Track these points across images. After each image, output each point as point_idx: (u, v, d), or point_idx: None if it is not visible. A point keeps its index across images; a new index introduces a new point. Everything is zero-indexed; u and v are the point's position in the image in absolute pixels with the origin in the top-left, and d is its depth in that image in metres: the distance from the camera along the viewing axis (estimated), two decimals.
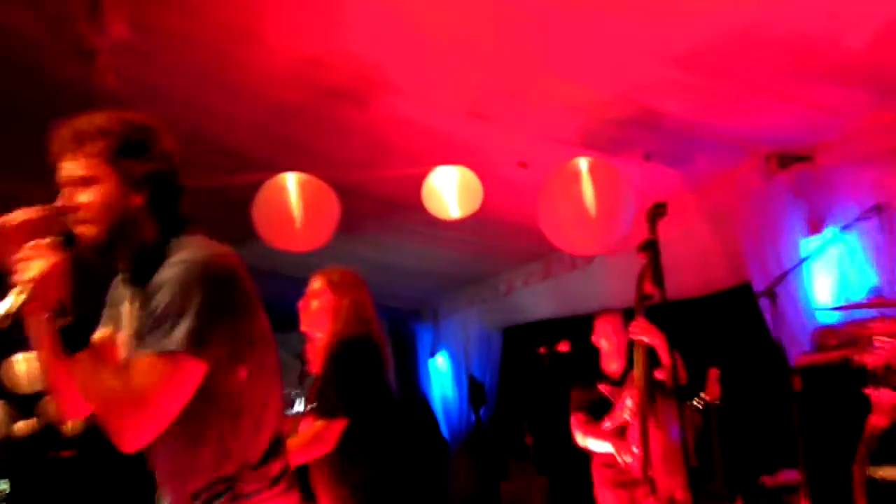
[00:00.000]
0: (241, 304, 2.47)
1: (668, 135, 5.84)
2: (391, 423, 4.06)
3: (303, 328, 4.20)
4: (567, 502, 7.93)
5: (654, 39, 4.73)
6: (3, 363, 9.83)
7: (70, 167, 2.46)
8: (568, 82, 5.30)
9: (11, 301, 2.22)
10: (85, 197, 2.43)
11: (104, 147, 2.45)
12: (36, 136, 5.98)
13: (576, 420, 5.65)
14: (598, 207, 5.60)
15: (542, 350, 6.08)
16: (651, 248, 3.57)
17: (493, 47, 4.97)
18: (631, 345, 5.01)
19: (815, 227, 5.78)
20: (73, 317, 2.30)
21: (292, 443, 4.06)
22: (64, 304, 2.29)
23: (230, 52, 5.20)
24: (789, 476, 5.64)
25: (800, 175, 5.95)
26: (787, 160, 5.97)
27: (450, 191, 5.80)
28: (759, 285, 5.77)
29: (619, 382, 5.59)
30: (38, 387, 9.96)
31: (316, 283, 4.21)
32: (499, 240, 7.78)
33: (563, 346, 6.00)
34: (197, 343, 2.30)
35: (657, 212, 3.66)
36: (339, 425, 3.90)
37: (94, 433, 14.15)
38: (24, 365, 9.78)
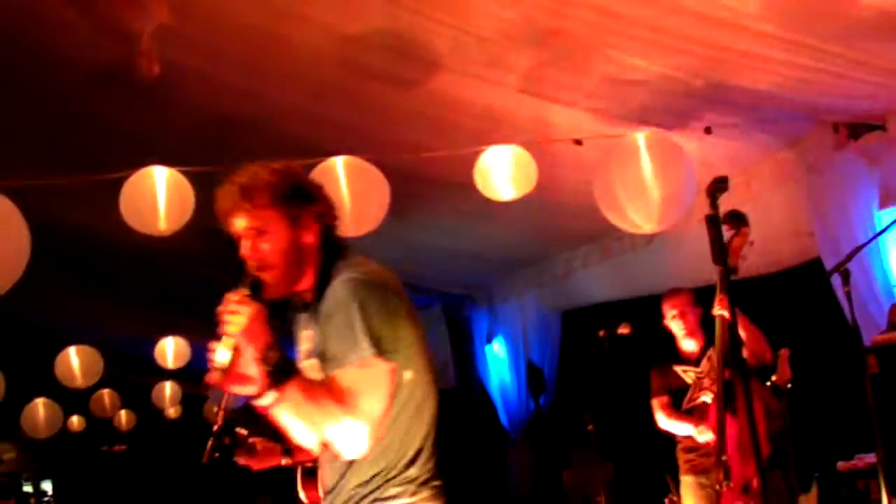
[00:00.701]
0: (402, 313, 2.67)
1: (731, 107, 5.62)
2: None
3: None
4: (632, 489, 7.74)
5: (714, 8, 4.51)
6: (57, 357, 9.85)
7: (245, 221, 2.72)
8: (627, 55, 5.11)
9: (224, 355, 2.42)
10: (264, 246, 2.69)
11: (273, 198, 2.70)
12: (80, 121, 5.96)
13: (657, 403, 5.48)
14: (658, 184, 5.40)
15: (601, 333, 5.87)
16: (713, 224, 3.35)
17: (548, 18, 4.78)
18: (708, 322, 4.83)
19: (889, 199, 5.50)
20: (278, 354, 2.46)
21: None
22: (269, 346, 2.46)
23: (274, 34, 5.10)
24: (866, 460, 5.40)
25: (872, 144, 5.68)
26: (858, 129, 5.71)
27: (503, 171, 5.63)
28: (830, 262, 5.51)
29: (697, 362, 5.39)
30: (91, 381, 10.01)
31: None
32: (555, 220, 7.58)
33: (624, 329, 5.78)
34: (381, 347, 2.53)
35: (718, 187, 3.45)
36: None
37: (144, 428, 14.36)
38: (77, 359, 9.80)
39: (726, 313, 4.44)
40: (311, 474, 4.11)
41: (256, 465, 3.94)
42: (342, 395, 2.48)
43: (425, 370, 2.72)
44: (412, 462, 2.67)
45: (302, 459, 4.00)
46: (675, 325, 5.49)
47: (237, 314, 2.47)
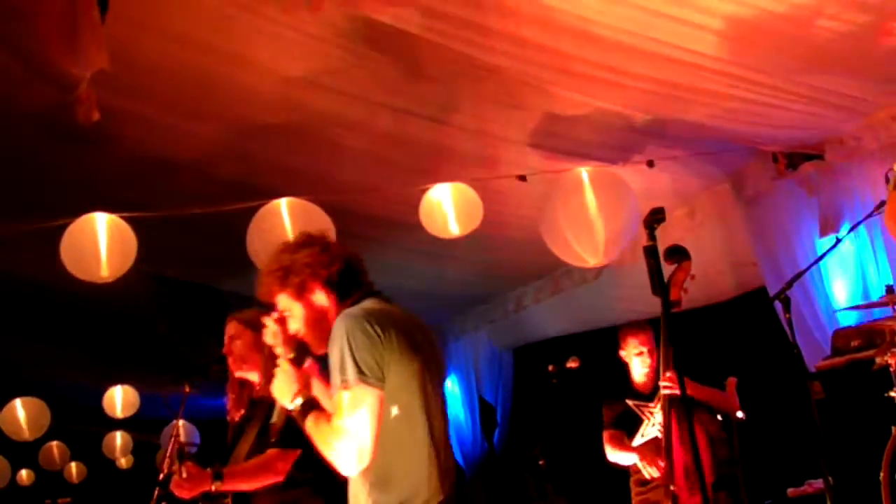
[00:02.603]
0: (389, 346, 2.91)
1: (673, 140, 5.69)
2: None
3: (235, 372, 4.26)
4: None
5: (654, 45, 4.58)
6: (2, 410, 9.65)
7: (283, 302, 3.14)
8: (568, 91, 5.16)
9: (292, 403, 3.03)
10: (292, 324, 3.12)
11: (277, 286, 3.13)
12: (17, 167, 5.87)
13: (606, 436, 5.46)
14: (602, 217, 5.44)
15: (551, 368, 5.88)
16: (651, 255, 3.38)
17: (487, 56, 4.82)
18: (658, 357, 4.86)
19: (829, 227, 5.59)
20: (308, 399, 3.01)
21: (243, 468, 4.06)
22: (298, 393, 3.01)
23: (216, 77, 5.07)
24: (815, 486, 5.43)
25: (811, 173, 5.78)
26: (796, 158, 5.80)
27: (448, 208, 5.64)
28: (774, 290, 5.57)
29: (651, 396, 5.39)
30: (38, 433, 9.81)
31: (231, 328, 4.30)
32: (504, 256, 7.60)
33: (573, 363, 5.79)
34: (363, 373, 2.83)
35: (655, 218, 3.48)
36: (293, 456, 3.92)
37: (95, 479, 14.07)
38: (23, 412, 9.60)
39: (677, 391, 4.48)
40: None
41: (187, 490, 3.90)
42: (333, 421, 2.85)
43: (420, 409, 2.96)
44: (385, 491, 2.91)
45: (227, 489, 3.96)
46: (639, 361, 5.46)
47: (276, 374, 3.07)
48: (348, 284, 3.13)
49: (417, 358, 2.97)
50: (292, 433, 3.88)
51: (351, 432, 2.80)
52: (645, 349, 5.41)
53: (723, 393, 5.16)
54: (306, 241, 3.22)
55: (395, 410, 2.89)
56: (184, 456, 4.02)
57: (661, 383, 4.68)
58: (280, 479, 3.91)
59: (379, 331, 2.89)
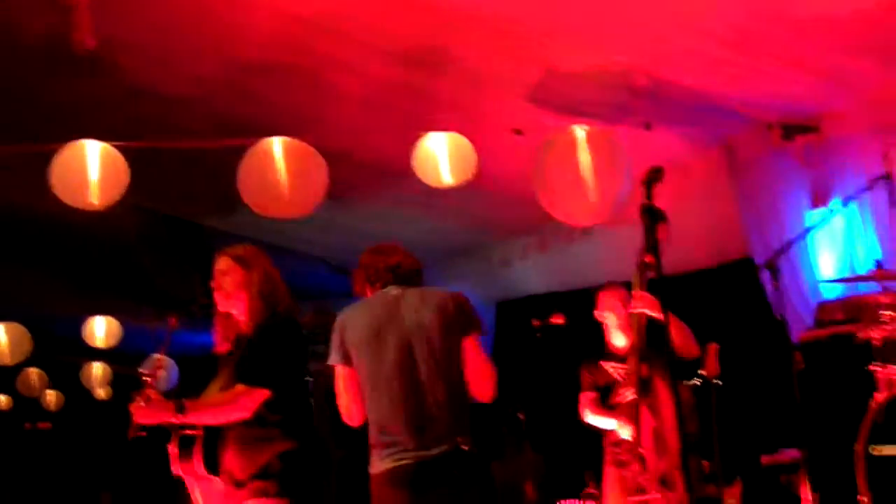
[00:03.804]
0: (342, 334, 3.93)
1: (670, 103, 5.67)
2: (309, 403, 4.22)
3: (219, 307, 4.19)
4: (562, 479, 7.78)
5: (661, 6, 4.55)
6: None
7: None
8: (570, 49, 5.13)
9: None
10: None
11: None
12: (9, 96, 5.82)
13: (584, 398, 5.48)
14: (596, 176, 5.42)
15: (535, 323, 5.90)
16: (648, 213, 3.37)
17: (490, 7, 4.78)
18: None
19: (820, 200, 5.61)
20: None
21: (209, 401, 4.02)
22: None
23: (215, 11, 5.03)
24: (789, 455, 5.49)
25: (805, 145, 5.77)
26: (792, 130, 5.79)
27: (442, 157, 5.61)
28: (760, 258, 5.60)
29: (625, 359, 5.40)
30: (19, 358, 9.79)
31: (222, 262, 4.20)
32: (493, 210, 7.59)
33: (557, 319, 5.82)
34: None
35: (653, 176, 3.45)
36: (261, 395, 3.87)
37: (72, 409, 14.10)
38: (5, 336, 9.57)
39: (645, 310, 4.49)
40: (187, 445, 4.00)
41: (146, 416, 3.88)
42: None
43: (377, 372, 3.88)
44: None
45: (192, 421, 3.91)
46: (608, 318, 5.49)
47: None
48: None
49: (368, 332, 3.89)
50: (260, 371, 3.89)
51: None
52: (612, 301, 5.42)
53: (688, 330, 5.11)
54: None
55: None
56: (143, 384, 3.98)
57: (634, 305, 4.62)
58: (246, 415, 3.85)
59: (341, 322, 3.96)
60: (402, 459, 3.75)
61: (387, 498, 3.77)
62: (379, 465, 3.80)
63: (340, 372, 3.92)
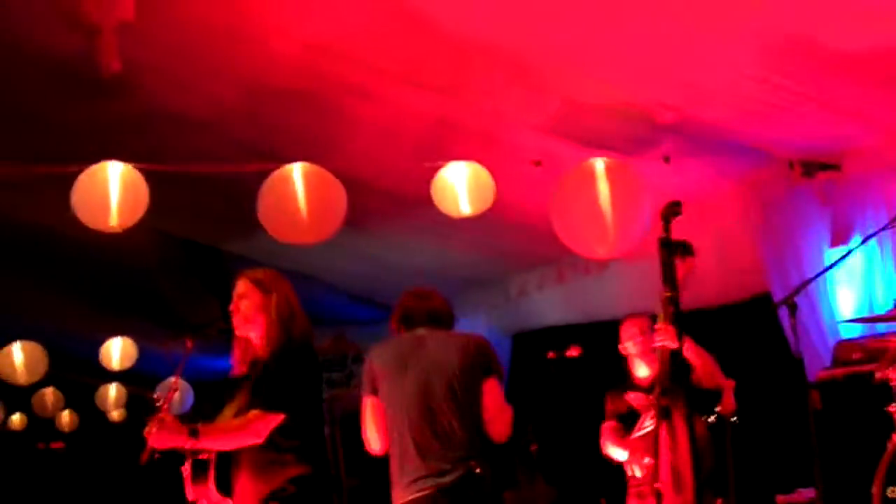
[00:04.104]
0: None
1: (691, 137, 5.66)
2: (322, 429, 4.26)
3: (237, 332, 4.19)
4: None
5: (682, 42, 4.56)
6: (1, 352, 9.64)
7: None
8: (590, 81, 5.14)
9: None
10: None
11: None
12: (31, 116, 5.88)
13: (605, 427, 5.45)
14: (614, 209, 5.41)
15: (550, 355, 5.89)
16: (665, 246, 3.37)
17: (511, 38, 4.80)
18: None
19: (840, 238, 5.58)
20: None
21: (222, 426, 4.00)
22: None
23: (237, 38, 5.06)
24: (805, 495, 5.43)
25: (826, 183, 5.75)
26: (813, 167, 5.77)
27: (461, 187, 5.62)
28: (779, 296, 5.57)
29: (650, 389, 5.37)
30: (34, 378, 9.80)
31: (241, 285, 4.21)
32: (511, 241, 7.58)
33: (573, 352, 5.80)
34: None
35: (672, 210, 3.47)
36: (275, 420, 3.86)
37: (86, 430, 14.12)
38: (21, 355, 9.59)
39: (669, 343, 4.48)
40: (200, 469, 4.00)
41: (160, 440, 3.84)
42: None
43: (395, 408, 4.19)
44: None
45: (205, 446, 3.90)
46: (632, 347, 5.46)
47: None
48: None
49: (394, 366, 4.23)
50: (275, 396, 3.89)
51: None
52: (635, 330, 5.40)
53: (714, 361, 5.08)
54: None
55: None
56: (156, 409, 3.97)
57: (657, 339, 4.63)
58: (259, 440, 3.84)
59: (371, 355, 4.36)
60: (422, 490, 4.00)
61: None
62: (401, 496, 4.06)
63: (368, 402, 4.24)
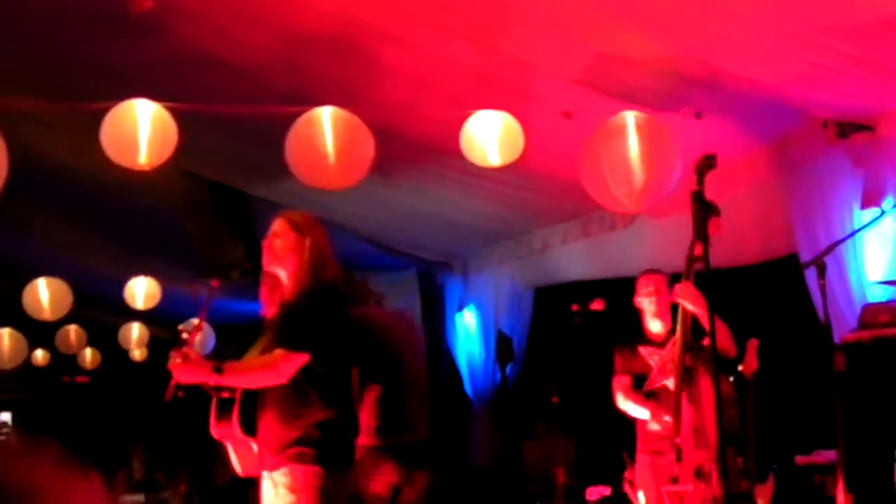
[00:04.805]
0: None
1: (724, 94, 5.59)
2: (348, 373, 4.22)
3: (266, 267, 4.22)
4: (593, 464, 7.76)
5: None
6: (25, 288, 9.72)
7: None
8: (624, 33, 5.06)
9: None
10: None
11: None
12: (64, 55, 5.86)
13: (617, 382, 5.47)
14: (644, 164, 5.36)
15: (574, 307, 5.88)
16: (699, 202, 3.34)
17: None
18: (675, 308, 4.83)
19: (871, 200, 5.51)
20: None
21: (247, 364, 4.04)
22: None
23: None
24: (825, 456, 5.43)
25: (860, 145, 5.68)
26: (847, 128, 5.69)
27: (490, 137, 5.57)
28: (807, 257, 5.52)
29: (662, 345, 5.38)
30: (59, 314, 9.88)
31: (278, 224, 4.24)
32: (538, 194, 7.54)
33: (597, 305, 5.79)
34: None
35: (707, 163, 3.44)
36: (299, 359, 3.88)
37: (108, 368, 14.28)
38: (46, 291, 9.66)
39: (687, 304, 4.46)
40: (225, 408, 4.04)
41: (184, 374, 3.89)
42: None
43: None
44: None
45: (228, 383, 3.93)
46: (647, 303, 5.47)
47: None
48: None
49: None
50: (300, 337, 3.90)
51: None
52: (651, 288, 5.42)
53: (726, 329, 5.06)
54: None
55: None
56: (180, 342, 4.00)
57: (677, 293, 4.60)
58: (283, 380, 3.86)
59: None
60: None
61: None
62: None
63: None
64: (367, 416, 5.52)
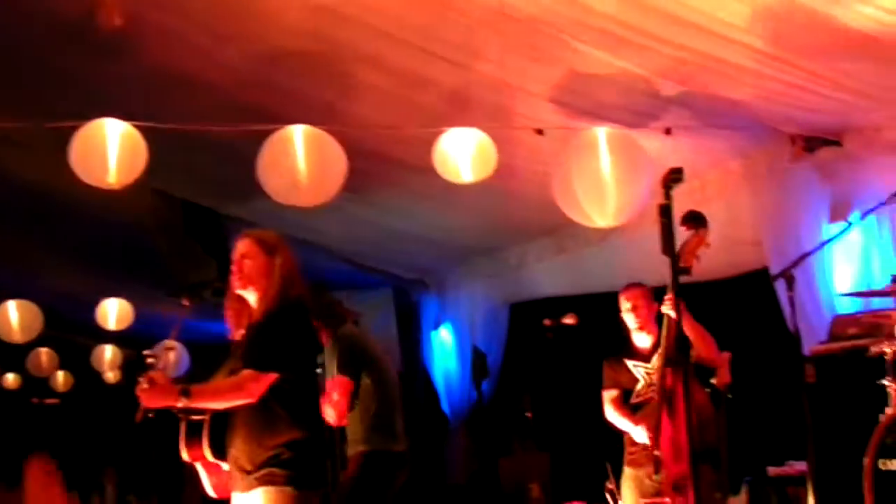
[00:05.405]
0: None
1: (693, 110, 5.65)
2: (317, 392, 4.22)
3: (236, 289, 4.14)
4: (569, 479, 7.77)
5: (689, 13, 4.52)
6: None
7: None
8: (595, 49, 5.11)
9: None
10: None
11: None
12: (34, 73, 5.85)
13: (608, 396, 5.49)
14: (615, 179, 5.41)
15: (547, 322, 5.90)
16: (665, 214, 3.37)
17: (523, 4, 4.76)
18: (660, 319, 4.86)
19: (839, 214, 5.57)
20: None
21: (215, 385, 4.01)
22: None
23: None
24: (797, 468, 5.46)
25: (827, 159, 5.75)
26: (813, 143, 5.77)
27: (463, 154, 5.60)
28: (776, 269, 5.57)
29: (648, 358, 5.40)
30: (29, 336, 9.80)
31: (246, 244, 4.16)
32: (511, 211, 7.58)
33: (570, 319, 5.81)
34: None
35: (673, 177, 3.48)
36: (268, 379, 3.85)
37: (81, 391, 14.15)
38: (16, 314, 9.58)
39: (673, 313, 4.49)
40: (195, 431, 4.00)
41: (151, 400, 3.85)
42: None
43: None
44: None
45: (197, 405, 3.89)
46: (629, 318, 5.50)
47: None
48: None
49: None
50: (268, 356, 3.88)
51: None
52: (630, 304, 5.45)
53: (711, 339, 5.12)
54: None
55: None
56: (146, 366, 3.98)
57: (665, 304, 4.63)
58: (252, 399, 3.83)
59: None
60: None
61: None
62: None
63: None
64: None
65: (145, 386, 3.85)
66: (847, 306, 5.47)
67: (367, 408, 5.64)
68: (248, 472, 3.88)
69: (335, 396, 5.52)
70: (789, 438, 5.21)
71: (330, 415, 5.40)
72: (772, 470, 5.74)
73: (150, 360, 4.05)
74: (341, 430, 5.65)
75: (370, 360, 5.75)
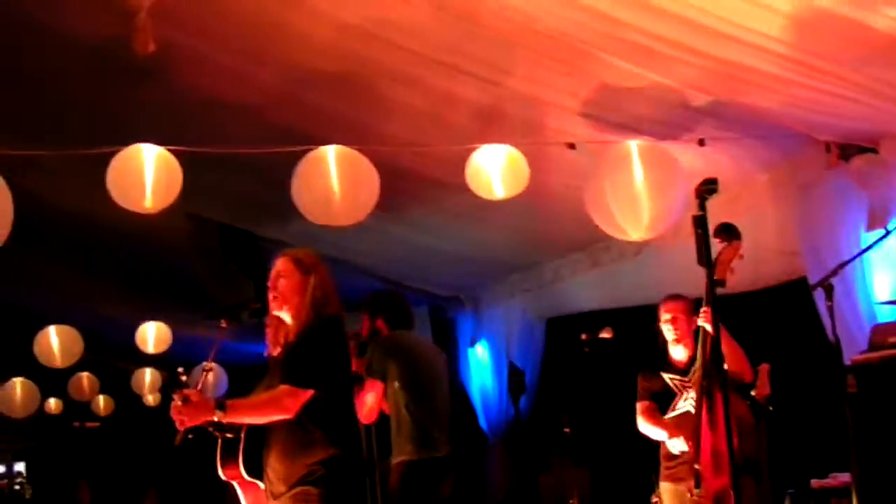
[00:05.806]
0: None
1: (727, 121, 5.62)
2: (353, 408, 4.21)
3: (273, 310, 4.19)
4: (608, 494, 7.72)
5: (721, 23, 4.50)
6: (36, 336, 9.73)
7: None
8: (626, 62, 5.09)
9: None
10: None
11: None
12: (71, 96, 5.93)
13: (640, 407, 5.47)
14: (649, 192, 5.39)
15: (584, 337, 5.89)
16: (700, 225, 3.35)
17: (549, 21, 4.76)
18: (697, 333, 4.84)
19: (877, 221, 5.51)
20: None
21: (251, 400, 4.03)
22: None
23: (272, 19, 5.07)
24: (840, 479, 5.39)
25: (863, 166, 5.69)
26: (849, 150, 5.71)
27: (495, 170, 5.59)
28: (815, 279, 5.52)
29: (685, 371, 5.37)
30: (70, 361, 9.89)
31: (282, 263, 4.23)
32: (545, 226, 7.57)
33: (606, 333, 5.80)
34: None
35: (707, 188, 3.45)
36: (305, 395, 3.87)
37: (122, 414, 14.25)
38: (57, 339, 9.68)
39: (709, 326, 4.46)
40: (230, 449, 4.03)
41: (187, 415, 3.83)
42: None
43: None
44: None
45: (233, 420, 3.90)
46: (667, 330, 5.48)
47: None
48: None
49: None
50: (304, 372, 3.89)
51: None
52: (670, 315, 5.42)
53: (742, 352, 5.08)
54: None
55: None
56: (180, 383, 3.97)
57: (700, 316, 4.62)
58: (289, 415, 3.85)
59: None
60: None
61: None
62: None
63: None
64: None
65: (179, 403, 3.87)
66: (887, 315, 5.41)
67: (403, 415, 5.63)
68: (283, 490, 3.90)
69: (368, 399, 5.54)
70: (832, 450, 5.15)
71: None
72: (815, 482, 5.68)
73: (183, 378, 4.07)
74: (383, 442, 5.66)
75: (408, 364, 5.71)
